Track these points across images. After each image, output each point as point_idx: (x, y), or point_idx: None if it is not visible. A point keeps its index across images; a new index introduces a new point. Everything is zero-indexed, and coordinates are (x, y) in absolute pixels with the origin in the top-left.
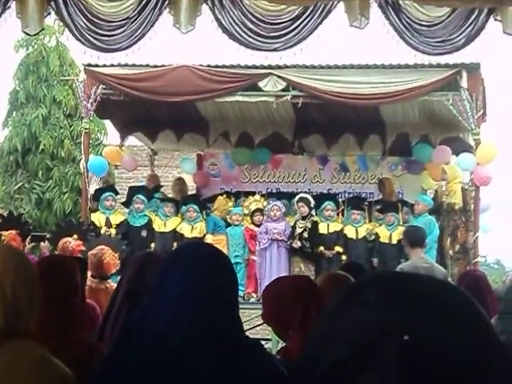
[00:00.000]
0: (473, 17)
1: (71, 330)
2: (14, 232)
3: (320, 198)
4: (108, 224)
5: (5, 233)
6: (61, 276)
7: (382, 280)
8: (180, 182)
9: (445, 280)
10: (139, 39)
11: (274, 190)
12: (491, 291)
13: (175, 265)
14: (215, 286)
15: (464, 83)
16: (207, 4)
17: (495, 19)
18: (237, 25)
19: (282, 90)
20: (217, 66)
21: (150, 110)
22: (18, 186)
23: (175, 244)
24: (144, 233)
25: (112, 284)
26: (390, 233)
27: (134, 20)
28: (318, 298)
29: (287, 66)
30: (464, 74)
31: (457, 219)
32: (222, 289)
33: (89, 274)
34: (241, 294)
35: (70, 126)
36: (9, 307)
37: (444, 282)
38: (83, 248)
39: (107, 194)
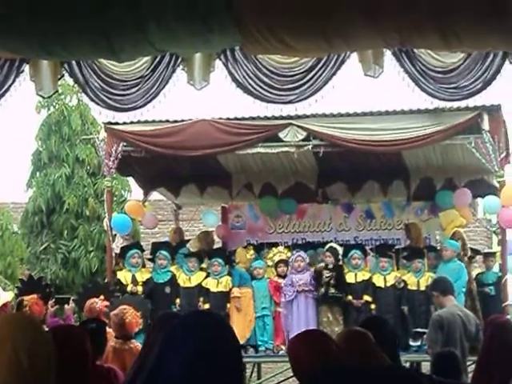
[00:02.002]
0: (488, 61)
1: None
2: (35, 296)
3: (347, 247)
4: (134, 281)
5: (26, 297)
6: (70, 344)
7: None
8: (206, 234)
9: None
10: (154, 97)
11: (300, 240)
12: None
13: (180, 335)
14: (221, 355)
15: (485, 125)
16: (220, 59)
17: (511, 62)
18: (250, 78)
19: (303, 140)
20: (236, 119)
21: (171, 165)
22: (44, 246)
23: (201, 299)
24: (168, 289)
25: (136, 344)
26: (417, 280)
27: (148, 78)
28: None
29: (307, 116)
30: (485, 117)
31: None
32: (228, 358)
33: (112, 334)
34: (270, 346)
35: (94, 185)
36: (27, 377)
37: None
38: (106, 309)
39: (133, 251)
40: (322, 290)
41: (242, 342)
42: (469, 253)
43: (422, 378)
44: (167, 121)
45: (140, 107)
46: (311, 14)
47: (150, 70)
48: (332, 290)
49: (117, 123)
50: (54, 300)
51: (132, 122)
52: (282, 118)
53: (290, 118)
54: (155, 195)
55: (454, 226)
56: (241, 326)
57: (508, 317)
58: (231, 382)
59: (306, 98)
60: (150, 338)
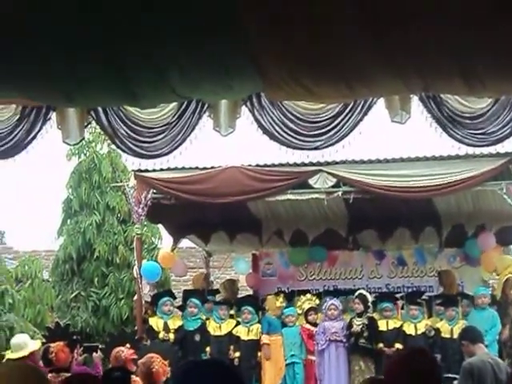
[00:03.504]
0: None
1: None
2: (61, 343)
3: (379, 298)
4: (166, 329)
5: (52, 344)
6: None
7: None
8: (231, 283)
9: None
10: (180, 144)
11: (331, 287)
12: None
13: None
14: None
15: None
16: (246, 106)
17: None
18: (276, 124)
19: (333, 187)
20: (266, 166)
21: (201, 212)
22: (75, 294)
23: (232, 347)
24: (197, 337)
25: None
26: (451, 327)
27: (174, 125)
28: None
29: (336, 163)
30: None
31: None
32: None
33: (140, 383)
34: None
35: (124, 232)
36: None
37: None
38: (135, 357)
39: (165, 298)
40: (352, 339)
41: None
42: None
43: None
44: (196, 168)
45: (166, 154)
46: (330, 57)
47: (176, 116)
48: (362, 340)
49: (146, 170)
50: (82, 348)
51: (161, 169)
52: (311, 164)
53: (320, 164)
54: (187, 242)
55: (510, 272)
56: (272, 374)
57: None
58: None
59: (332, 144)
60: None
